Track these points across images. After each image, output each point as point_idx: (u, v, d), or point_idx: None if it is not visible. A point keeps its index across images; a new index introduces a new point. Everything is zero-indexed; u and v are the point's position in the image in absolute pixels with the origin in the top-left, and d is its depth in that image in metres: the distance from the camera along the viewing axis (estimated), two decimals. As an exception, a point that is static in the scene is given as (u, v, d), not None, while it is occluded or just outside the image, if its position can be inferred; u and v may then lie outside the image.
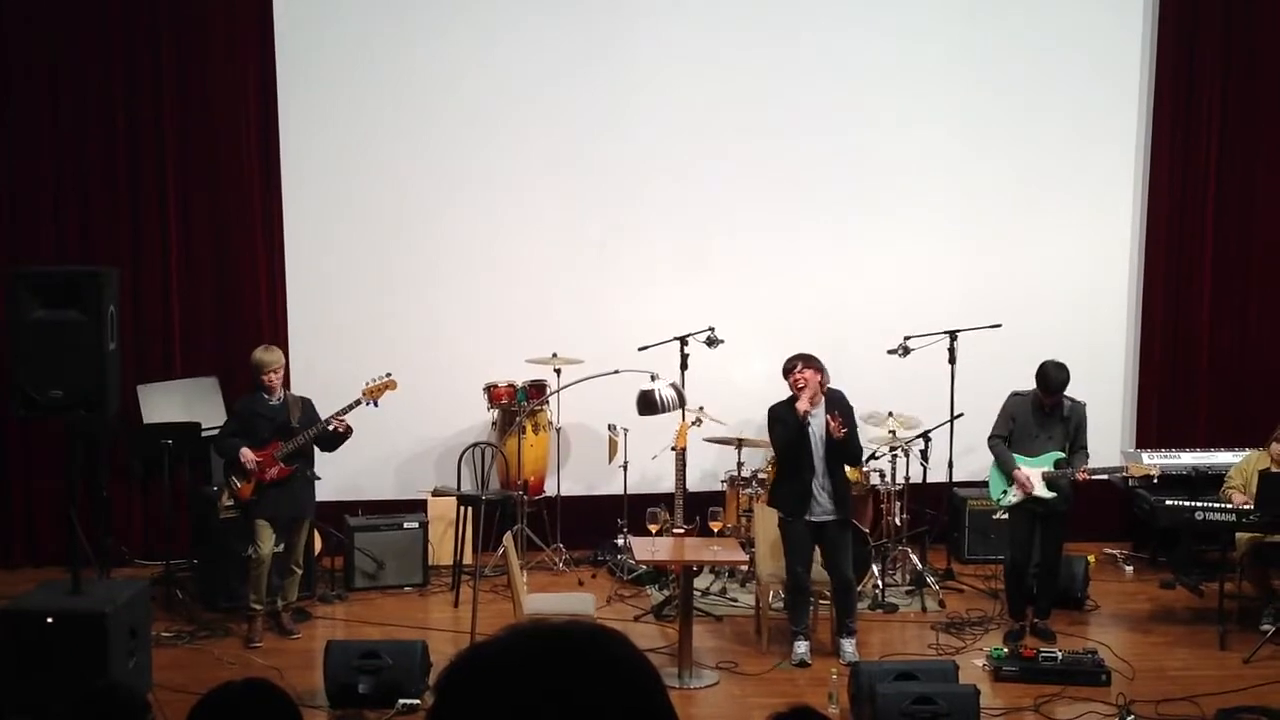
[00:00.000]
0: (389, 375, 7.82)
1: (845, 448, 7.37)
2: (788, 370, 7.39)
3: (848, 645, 7.31)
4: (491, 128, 9.41)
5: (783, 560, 7.57)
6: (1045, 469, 7.65)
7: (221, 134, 9.11)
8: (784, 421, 7.38)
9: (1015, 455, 7.70)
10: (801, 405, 7.25)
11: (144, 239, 9.08)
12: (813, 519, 7.33)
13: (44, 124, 8.91)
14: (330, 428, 7.67)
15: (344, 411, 7.70)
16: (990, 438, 7.86)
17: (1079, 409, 7.76)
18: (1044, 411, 7.71)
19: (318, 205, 9.34)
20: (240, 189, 9.15)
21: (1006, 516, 8.05)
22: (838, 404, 7.39)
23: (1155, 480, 8.05)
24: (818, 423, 7.32)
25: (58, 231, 8.97)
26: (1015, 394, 7.88)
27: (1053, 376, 7.61)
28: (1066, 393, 7.69)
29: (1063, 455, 7.67)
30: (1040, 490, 7.64)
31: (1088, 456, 7.70)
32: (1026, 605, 7.83)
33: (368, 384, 7.80)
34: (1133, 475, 8.06)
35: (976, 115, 9.71)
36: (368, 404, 7.77)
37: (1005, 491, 7.77)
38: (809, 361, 7.36)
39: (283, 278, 9.29)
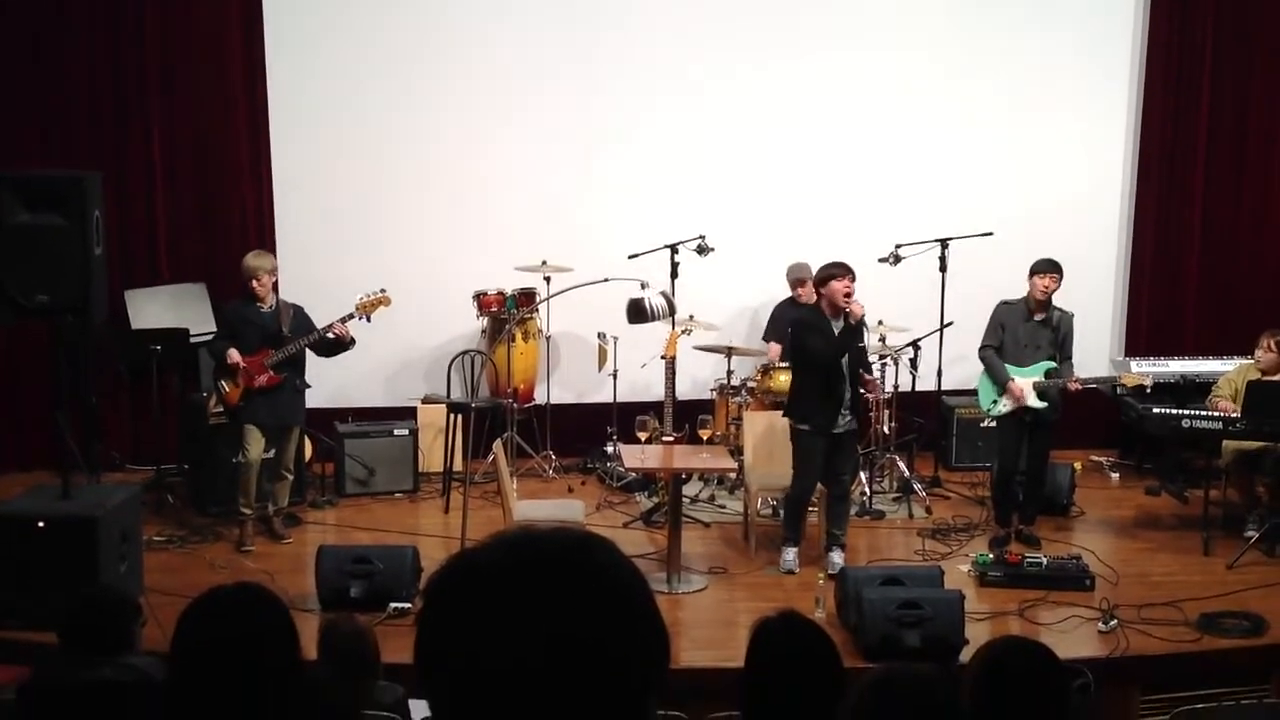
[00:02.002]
0: (383, 291, 7.72)
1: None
2: (827, 278, 7.17)
3: (836, 557, 7.28)
4: (479, 35, 9.27)
5: (771, 467, 7.58)
6: (1036, 379, 7.67)
7: (205, 35, 8.96)
8: (823, 333, 7.17)
9: (1007, 366, 7.71)
10: (856, 309, 7.09)
11: (128, 142, 8.98)
12: (837, 431, 7.25)
13: (24, 26, 8.75)
14: (331, 335, 7.62)
15: (341, 321, 7.64)
16: (981, 348, 7.85)
17: (1067, 319, 7.76)
18: (1032, 318, 7.70)
19: (304, 112, 9.21)
20: (225, 92, 9.03)
21: (995, 425, 8.08)
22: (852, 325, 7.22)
23: (1148, 390, 8.08)
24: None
25: (41, 134, 8.86)
26: (1004, 302, 7.87)
27: (1046, 260, 7.62)
28: (1055, 303, 7.69)
29: (1054, 365, 7.67)
30: (1031, 400, 7.66)
31: (1073, 367, 7.72)
32: (1013, 513, 7.89)
33: (361, 299, 7.72)
34: (1125, 386, 8.08)
35: (972, 24, 9.59)
36: (360, 319, 7.69)
37: (995, 401, 7.79)
38: (851, 271, 7.16)
39: (269, 183, 9.20)
